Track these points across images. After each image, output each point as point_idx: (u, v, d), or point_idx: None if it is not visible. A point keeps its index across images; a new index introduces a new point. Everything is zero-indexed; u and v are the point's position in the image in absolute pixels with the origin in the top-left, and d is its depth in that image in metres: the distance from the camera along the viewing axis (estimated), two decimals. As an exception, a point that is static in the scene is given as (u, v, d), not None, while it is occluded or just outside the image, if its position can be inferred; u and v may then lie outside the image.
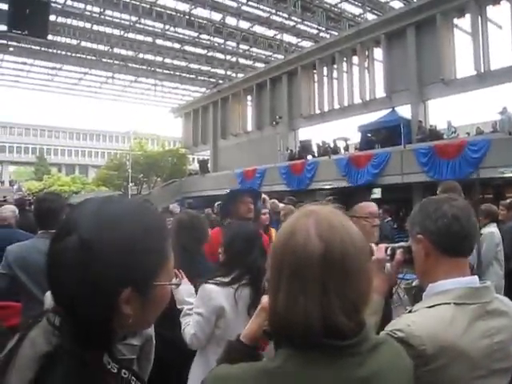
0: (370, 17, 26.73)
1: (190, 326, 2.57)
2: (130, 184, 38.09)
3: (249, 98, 32.25)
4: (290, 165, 23.46)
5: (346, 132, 24.35)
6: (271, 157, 26.00)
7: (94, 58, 32.19)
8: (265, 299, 1.15)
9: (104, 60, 32.92)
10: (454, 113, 21.00)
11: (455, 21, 20.81)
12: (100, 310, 0.82)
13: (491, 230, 5.66)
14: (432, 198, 1.59)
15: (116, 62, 33.15)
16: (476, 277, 1.49)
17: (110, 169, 41.02)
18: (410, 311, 1.48)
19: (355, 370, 0.94)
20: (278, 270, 0.96)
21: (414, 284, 1.74)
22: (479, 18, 19.49)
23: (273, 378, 0.92)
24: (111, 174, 40.30)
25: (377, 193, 18.18)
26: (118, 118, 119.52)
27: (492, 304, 1.44)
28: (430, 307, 1.42)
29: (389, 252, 1.67)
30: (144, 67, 34.08)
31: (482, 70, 19.17)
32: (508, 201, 7.52)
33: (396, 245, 1.71)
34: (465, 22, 20.49)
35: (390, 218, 8.34)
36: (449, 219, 1.46)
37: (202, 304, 2.56)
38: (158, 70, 34.49)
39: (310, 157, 23.93)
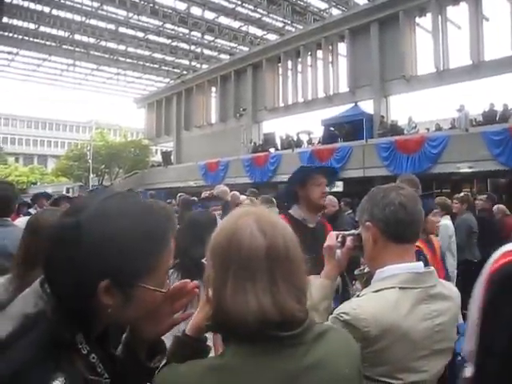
0: (335, 12, 26.99)
1: None
2: (92, 175, 37.34)
3: (213, 89, 31.93)
4: (254, 157, 23.46)
5: (309, 125, 24.61)
6: (235, 149, 25.94)
7: (53, 43, 31.20)
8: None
9: (64, 46, 31.98)
10: (415, 109, 21.52)
11: (417, 19, 21.24)
12: (80, 290, 0.87)
13: (445, 222, 5.83)
14: (380, 187, 1.62)
15: (77, 49, 32.25)
16: (421, 262, 1.54)
17: (70, 159, 40.10)
18: (358, 296, 1.52)
19: (300, 360, 0.96)
20: (223, 267, 0.98)
21: (365, 271, 1.78)
22: (439, 17, 19.96)
23: (220, 375, 0.93)
24: (71, 164, 39.41)
25: (339, 186, 18.41)
26: (79, 108, 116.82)
27: (435, 288, 1.51)
28: (376, 291, 1.47)
29: (339, 239, 1.70)
30: (106, 55, 33.30)
31: (442, 68, 19.66)
32: (461, 194, 7.80)
33: (346, 232, 1.73)
34: (426, 20, 20.94)
35: (350, 211, 8.42)
36: (396, 206, 1.51)
37: None
38: (120, 58, 33.77)
39: (273, 149, 23.98)
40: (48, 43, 31.08)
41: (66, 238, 0.87)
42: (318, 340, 1.01)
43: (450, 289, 1.59)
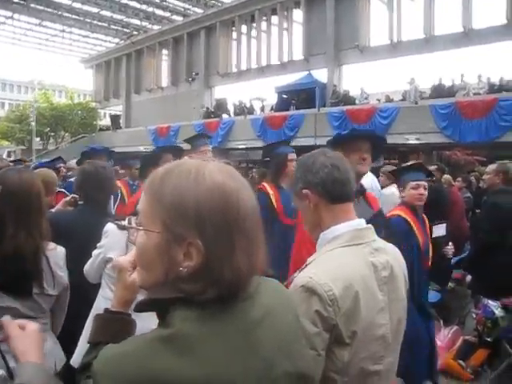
0: (292, -23, 26.44)
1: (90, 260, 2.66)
2: (36, 138, 35.70)
3: (164, 52, 31.09)
4: (205, 123, 23.19)
5: (262, 92, 24.41)
6: (186, 114, 25.46)
7: (-12, -8, 28.89)
8: (121, 260, 1.09)
9: (1, -3, 29.66)
10: (367, 80, 21.72)
11: (373, -11, 21.22)
12: None
13: (392, 190, 5.94)
14: (307, 154, 1.65)
15: (15, 0, 30.00)
16: (362, 219, 1.58)
17: (12, 121, 38.21)
18: (306, 265, 1.51)
19: (250, 313, 0.92)
20: (222, 231, 0.88)
21: None
22: (396, -12, 20.00)
23: (174, 345, 0.83)
24: (13, 126, 37.44)
25: (290, 154, 18.45)
26: (20, 66, 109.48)
27: (376, 243, 1.56)
28: (325, 254, 1.50)
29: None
30: (49, 10, 31.24)
31: (395, 40, 19.90)
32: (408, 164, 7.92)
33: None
34: (382, -9, 20.95)
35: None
36: (329, 168, 1.55)
37: (101, 240, 2.64)
38: (65, 14, 31.79)
39: (225, 115, 23.70)
40: (-19, -9, 28.74)
41: None
42: (258, 291, 0.97)
43: (388, 244, 1.64)
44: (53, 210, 3.41)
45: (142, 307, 0.94)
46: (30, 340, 1.15)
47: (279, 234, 3.77)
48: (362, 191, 2.70)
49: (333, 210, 1.54)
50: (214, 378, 0.83)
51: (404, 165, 4.31)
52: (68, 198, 3.47)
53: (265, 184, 4.13)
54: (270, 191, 4.02)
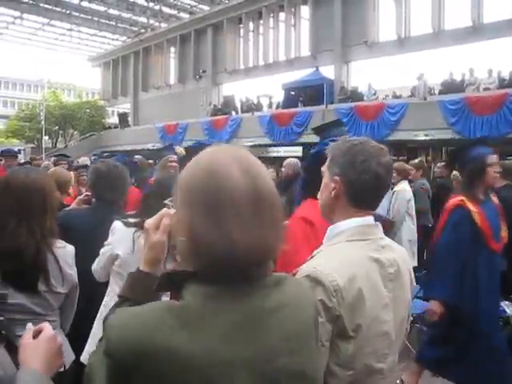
0: (299, -27, 26.31)
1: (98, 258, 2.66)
2: (45, 137, 35.93)
3: (172, 49, 31.14)
4: (213, 120, 23.19)
5: (269, 89, 24.37)
6: (194, 111, 25.50)
7: (-3, -8, 29.01)
8: (147, 222, 1.18)
9: (10, -3, 29.77)
10: (375, 76, 21.60)
11: (381, -16, 21.04)
12: None
13: (403, 186, 5.94)
14: (365, 145, 1.52)
15: (24, 0, 30.12)
16: (370, 217, 1.54)
17: (22, 120, 38.37)
18: (311, 257, 1.51)
19: (264, 301, 0.96)
20: (206, 206, 0.91)
21: None
22: (404, -17, 19.82)
23: (181, 315, 0.89)
24: (22, 125, 37.69)
25: (298, 151, 18.40)
26: (29, 65, 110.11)
27: (383, 240, 1.55)
28: (328, 248, 1.51)
29: None
30: (58, 9, 31.33)
31: (403, 36, 19.72)
32: (416, 160, 7.92)
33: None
34: (390, -14, 20.77)
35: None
36: (371, 177, 1.47)
37: (108, 238, 2.62)
38: (73, 13, 31.88)
39: (233, 113, 23.70)
40: (-9, -8, 28.86)
41: None
42: (279, 285, 1.01)
43: (395, 244, 1.65)
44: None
45: (161, 285, 1.02)
46: (38, 348, 1.19)
47: (483, 261, 3.16)
48: None
49: (350, 212, 1.52)
50: (211, 353, 0.87)
51: None
52: (82, 196, 3.50)
53: (463, 198, 3.29)
54: (473, 208, 3.22)
